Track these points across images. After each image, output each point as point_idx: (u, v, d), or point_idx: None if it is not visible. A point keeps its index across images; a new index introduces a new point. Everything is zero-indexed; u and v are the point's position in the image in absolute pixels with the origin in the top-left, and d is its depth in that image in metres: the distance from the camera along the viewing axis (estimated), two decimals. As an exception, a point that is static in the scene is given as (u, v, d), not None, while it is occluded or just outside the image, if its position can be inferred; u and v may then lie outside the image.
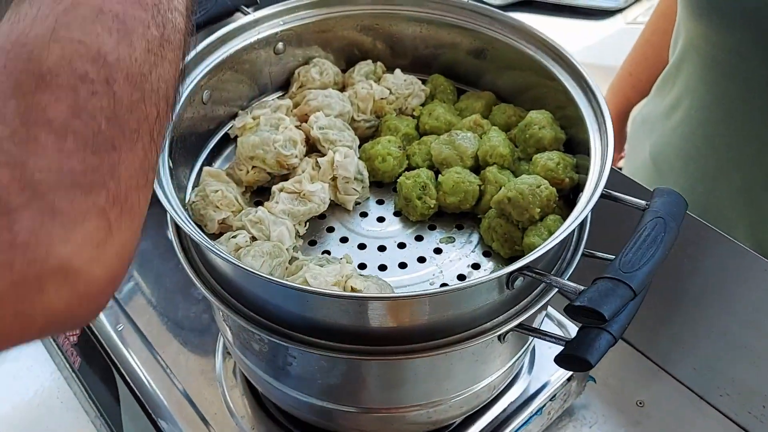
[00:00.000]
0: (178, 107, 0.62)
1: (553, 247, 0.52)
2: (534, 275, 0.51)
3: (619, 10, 2.29)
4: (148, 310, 0.86)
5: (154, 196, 0.55)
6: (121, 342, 0.83)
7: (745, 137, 0.92)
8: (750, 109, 0.90)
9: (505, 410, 0.75)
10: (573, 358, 0.51)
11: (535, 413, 0.76)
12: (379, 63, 0.76)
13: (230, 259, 0.50)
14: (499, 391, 0.71)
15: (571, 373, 0.78)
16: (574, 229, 0.53)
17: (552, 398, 0.77)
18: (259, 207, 0.63)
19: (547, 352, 0.81)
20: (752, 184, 0.94)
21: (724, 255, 0.76)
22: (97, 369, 0.85)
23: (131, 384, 0.79)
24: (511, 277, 0.51)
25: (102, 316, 0.85)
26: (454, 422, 0.73)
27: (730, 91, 0.91)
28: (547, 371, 0.79)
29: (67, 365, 0.90)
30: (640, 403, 0.87)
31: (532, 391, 0.77)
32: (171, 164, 0.59)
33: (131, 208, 0.36)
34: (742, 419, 0.84)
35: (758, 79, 0.87)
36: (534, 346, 0.81)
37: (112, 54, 0.35)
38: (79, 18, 0.35)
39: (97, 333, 0.85)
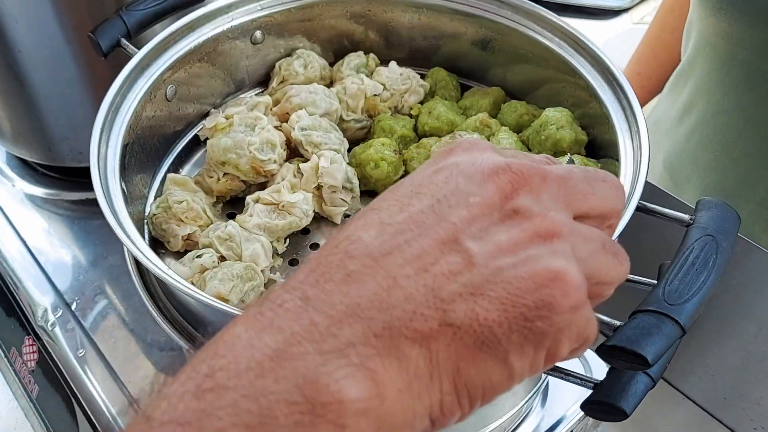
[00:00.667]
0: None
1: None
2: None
3: (626, 10, 2.21)
4: (114, 333, 0.76)
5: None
6: (83, 369, 0.73)
7: None
8: None
9: (516, 450, 0.66)
10: (604, 405, 0.42)
11: (550, 452, 0.67)
12: (371, 55, 0.67)
13: (185, 290, 0.41)
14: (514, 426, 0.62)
15: (589, 405, 0.69)
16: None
17: (568, 434, 0.68)
18: (230, 221, 0.54)
19: (561, 384, 0.72)
20: None
21: (759, 268, 0.67)
22: (55, 399, 0.76)
23: (92, 417, 0.70)
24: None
25: (61, 339, 0.76)
26: (458, 465, 0.64)
27: (751, 94, 0.83)
28: (562, 405, 0.70)
29: (25, 394, 0.81)
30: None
31: (545, 428, 0.68)
32: (123, 178, 0.50)
33: None
34: (743, 427, 0.75)
35: None
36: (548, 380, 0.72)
37: None
38: None
39: (56, 358, 0.75)
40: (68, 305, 0.79)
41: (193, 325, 0.48)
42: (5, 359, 0.84)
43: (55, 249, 0.86)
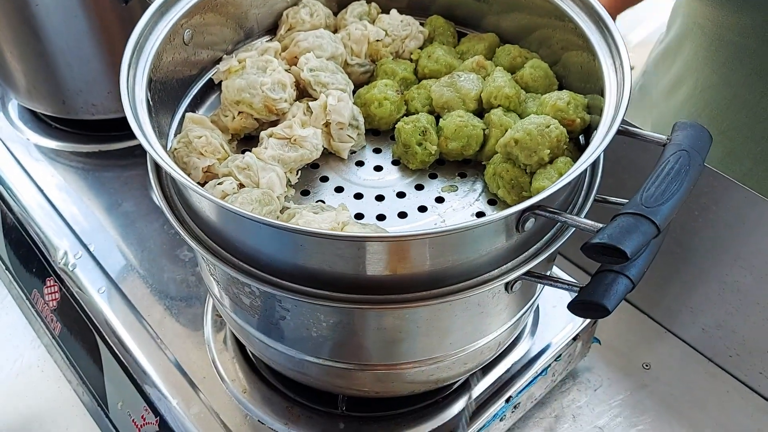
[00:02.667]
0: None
1: (566, 186, 0.48)
2: (547, 214, 0.47)
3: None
4: (132, 274, 0.81)
5: (137, 146, 0.51)
6: (104, 306, 0.78)
7: (756, 119, 0.88)
8: (760, 91, 0.86)
9: (508, 370, 0.72)
10: (589, 303, 0.48)
11: (540, 373, 0.73)
12: (373, 3, 0.71)
13: (218, 202, 0.46)
14: (504, 348, 0.67)
15: (576, 333, 0.75)
16: (586, 169, 0.49)
17: (557, 358, 0.74)
18: (247, 152, 0.58)
19: (551, 311, 0.77)
20: (763, 167, 0.91)
21: (738, 205, 0.72)
22: (78, 335, 0.80)
23: (115, 349, 0.75)
24: (522, 218, 0.47)
25: (83, 278, 0.81)
26: (457, 382, 0.69)
27: (738, 72, 0.87)
28: (550, 332, 0.75)
29: (47, 332, 0.86)
30: (646, 365, 0.84)
31: (535, 351, 0.74)
32: (151, 102, 0.54)
33: None
34: (753, 381, 0.81)
35: None
36: (537, 307, 0.77)
37: None
38: None
39: (78, 297, 0.80)
40: (87, 248, 0.84)
41: (215, 240, 0.53)
42: (27, 301, 0.89)
43: (71, 197, 0.90)
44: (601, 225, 0.45)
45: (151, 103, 0.54)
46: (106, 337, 0.76)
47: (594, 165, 0.55)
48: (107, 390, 0.77)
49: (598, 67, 0.57)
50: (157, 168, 0.55)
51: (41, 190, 0.90)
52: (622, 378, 0.82)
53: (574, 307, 0.48)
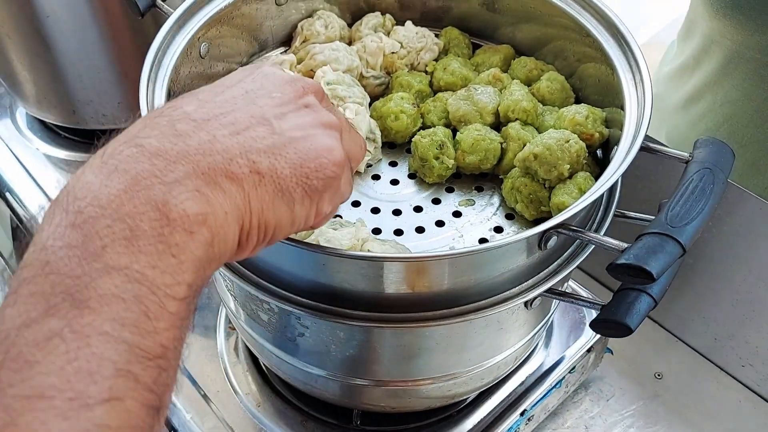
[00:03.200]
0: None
1: (588, 204, 0.48)
2: (571, 232, 0.47)
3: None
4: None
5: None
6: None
7: None
8: None
9: (522, 383, 0.72)
10: (611, 323, 0.48)
11: (555, 386, 0.72)
12: (387, 15, 0.71)
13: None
14: (521, 361, 0.67)
15: (590, 345, 0.75)
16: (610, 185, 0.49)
17: (571, 370, 0.74)
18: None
19: (563, 325, 0.77)
20: None
21: (750, 214, 0.72)
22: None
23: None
24: (545, 236, 0.47)
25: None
26: (471, 396, 0.69)
27: (760, 87, 0.87)
28: (564, 344, 0.75)
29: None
30: (659, 375, 0.84)
31: (549, 364, 0.74)
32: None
33: None
34: (766, 391, 0.81)
35: None
36: (553, 319, 0.77)
37: None
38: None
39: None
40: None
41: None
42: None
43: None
44: (625, 245, 0.44)
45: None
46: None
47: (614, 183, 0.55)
48: (120, 402, 0.77)
49: (617, 82, 0.57)
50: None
51: (50, 199, 0.90)
52: (635, 388, 0.82)
53: (596, 326, 0.48)
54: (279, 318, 0.55)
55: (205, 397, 0.71)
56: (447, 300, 0.50)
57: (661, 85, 1.04)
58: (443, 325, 0.49)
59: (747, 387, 0.82)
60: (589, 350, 0.74)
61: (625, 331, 0.47)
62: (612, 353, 0.84)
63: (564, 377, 0.73)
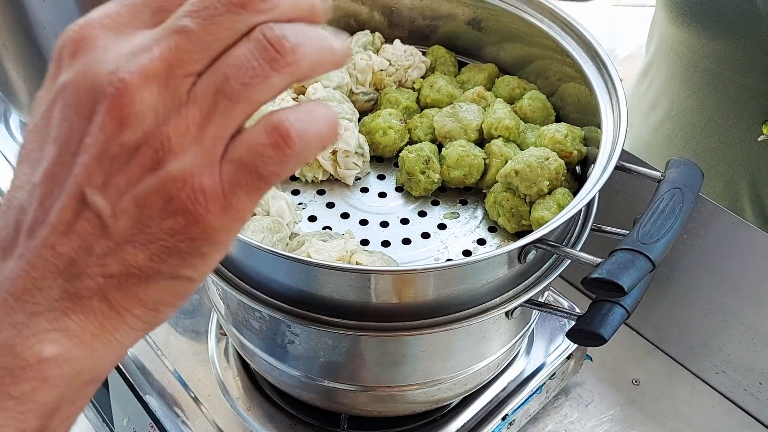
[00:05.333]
0: None
1: (565, 220, 0.50)
2: (548, 247, 0.49)
3: (604, -7, 2.29)
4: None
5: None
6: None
7: (728, 143, 0.92)
8: (734, 116, 0.89)
9: (504, 389, 0.74)
10: (586, 333, 0.50)
11: (535, 391, 0.75)
12: (377, 33, 0.74)
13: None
14: (502, 368, 0.69)
15: (570, 352, 0.78)
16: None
17: (551, 376, 0.76)
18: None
19: (544, 333, 0.80)
20: (734, 189, 0.94)
21: (723, 229, 0.75)
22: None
23: (121, 368, 0.77)
24: (524, 250, 0.50)
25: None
26: (455, 401, 0.72)
27: (713, 97, 0.90)
28: (544, 352, 0.78)
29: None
30: (636, 381, 0.87)
31: (530, 370, 0.76)
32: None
33: None
34: (738, 397, 0.84)
35: (743, 87, 0.86)
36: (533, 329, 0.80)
37: None
38: None
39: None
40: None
41: (226, 267, 0.55)
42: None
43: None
44: (599, 260, 0.47)
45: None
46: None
47: (590, 200, 0.58)
48: (113, 407, 0.79)
49: (595, 102, 0.59)
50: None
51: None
52: (613, 393, 0.85)
53: (572, 336, 0.51)
54: (270, 326, 0.57)
55: (195, 400, 0.73)
56: (432, 309, 0.52)
57: (630, 95, 1.07)
58: (428, 333, 0.52)
59: (720, 393, 0.85)
60: (568, 357, 0.77)
61: (599, 340, 0.50)
62: (591, 360, 0.87)
63: (544, 383, 0.76)
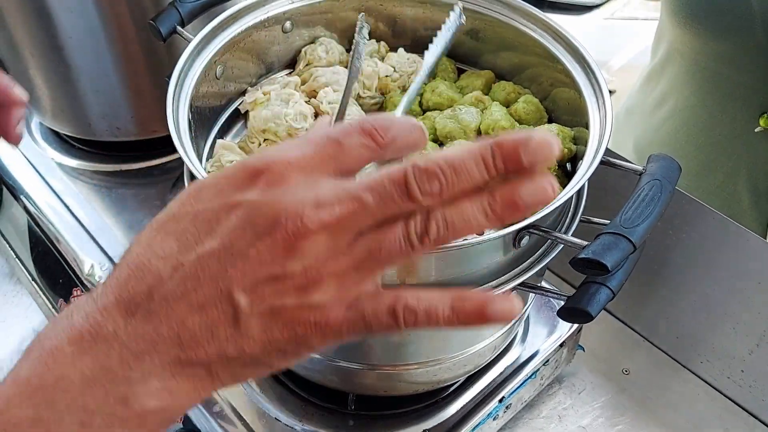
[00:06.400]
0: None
1: (555, 209, 0.56)
2: (541, 232, 0.55)
3: (597, 6, 2.35)
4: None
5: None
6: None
7: (728, 138, 0.98)
8: (733, 112, 0.96)
9: (501, 374, 0.79)
10: (575, 310, 0.55)
11: (530, 377, 0.80)
12: (382, 42, 0.79)
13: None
14: (499, 352, 0.74)
15: (563, 340, 0.83)
16: (574, 193, 0.57)
17: (545, 363, 0.81)
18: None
19: (538, 322, 0.85)
20: (734, 181, 1.00)
21: (707, 226, 0.80)
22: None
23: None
24: (518, 235, 0.55)
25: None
26: (455, 384, 0.77)
27: (713, 94, 0.97)
28: (539, 340, 0.83)
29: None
30: (626, 371, 0.92)
31: (525, 357, 0.81)
32: (192, 129, 0.61)
33: None
34: (721, 384, 0.89)
35: (741, 85, 0.92)
36: (528, 317, 0.85)
37: None
38: None
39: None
40: (111, 259, 0.90)
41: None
42: (53, 310, 0.95)
43: (95, 213, 0.97)
44: (586, 242, 0.52)
45: (192, 129, 0.61)
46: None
47: (579, 190, 0.63)
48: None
49: (584, 105, 0.65)
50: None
51: (67, 207, 0.97)
52: (604, 382, 0.90)
53: (562, 313, 0.56)
54: (286, 308, 0.62)
55: (213, 385, 0.78)
56: (434, 291, 0.57)
57: (634, 96, 1.13)
58: (431, 312, 0.57)
59: (705, 381, 0.90)
60: (561, 345, 0.82)
61: (586, 317, 0.55)
62: (584, 350, 0.92)
63: (539, 369, 0.81)
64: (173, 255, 0.34)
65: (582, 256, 0.51)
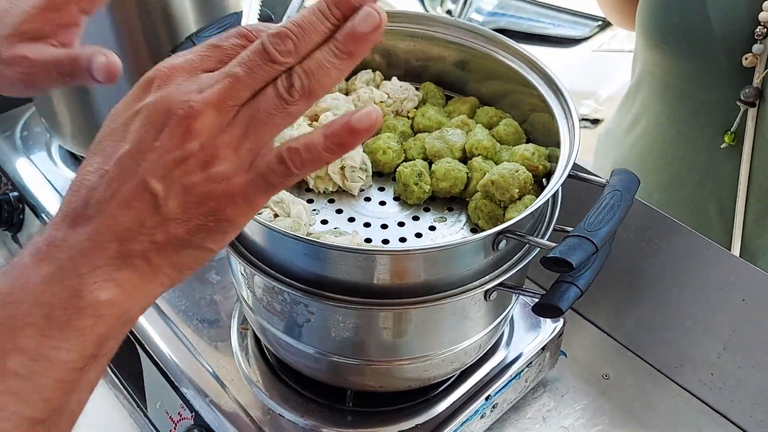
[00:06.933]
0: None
1: (529, 216, 0.63)
2: (515, 236, 0.62)
3: (585, 39, 2.46)
4: (168, 294, 0.95)
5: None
6: (145, 322, 0.92)
7: (695, 153, 1.06)
8: (700, 129, 1.04)
9: (488, 374, 0.86)
10: (547, 306, 0.63)
11: (514, 377, 0.87)
12: (377, 72, 0.88)
13: (270, 225, 0.61)
14: (485, 352, 0.81)
15: (544, 344, 0.89)
16: (548, 201, 0.65)
17: (528, 365, 0.88)
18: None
19: (522, 327, 0.92)
20: (701, 193, 1.08)
21: (681, 242, 0.88)
22: (121, 347, 0.93)
23: (155, 357, 0.88)
24: (496, 239, 0.63)
25: (125, 298, 0.94)
26: (445, 383, 0.83)
27: (681, 112, 1.05)
28: (522, 344, 0.90)
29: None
30: (606, 375, 0.98)
31: (510, 359, 0.88)
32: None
33: None
34: (694, 388, 0.95)
35: (706, 103, 1.00)
36: (513, 323, 0.92)
37: None
38: None
39: (120, 314, 0.93)
40: (128, 272, 0.97)
41: (253, 254, 0.67)
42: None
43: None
44: (554, 244, 0.60)
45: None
46: (147, 347, 0.89)
47: (554, 201, 0.71)
48: (146, 393, 0.90)
49: (556, 126, 0.73)
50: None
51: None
52: (585, 386, 0.97)
53: (536, 309, 0.63)
54: (291, 307, 0.69)
55: (221, 384, 0.84)
56: (424, 289, 0.64)
57: (612, 118, 1.22)
58: (420, 308, 0.64)
59: (679, 385, 0.97)
60: (543, 348, 0.89)
61: (557, 311, 0.62)
62: (566, 356, 0.98)
63: (522, 370, 0.88)
64: (99, 166, 0.40)
65: (550, 255, 0.58)
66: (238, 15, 0.84)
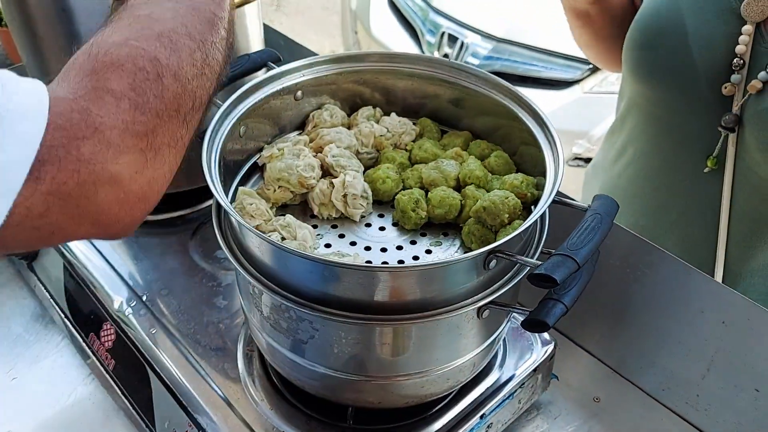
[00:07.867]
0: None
1: (517, 238, 0.69)
2: (504, 255, 0.67)
3: (577, 81, 2.55)
4: (178, 317, 1.00)
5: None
6: (154, 343, 0.96)
7: (680, 179, 1.12)
8: (684, 156, 1.10)
9: (482, 394, 0.90)
10: (535, 321, 0.67)
11: (508, 397, 0.91)
12: (377, 108, 0.94)
13: (280, 245, 0.67)
14: (479, 370, 0.86)
15: (536, 365, 0.94)
16: (536, 224, 0.70)
17: (521, 386, 0.92)
18: (287, 214, 0.79)
19: (514, 350, 0.96)
20: (686, 218, 1.13)
21: (666, 271, 0.92)
22: (131, 368, 0.98)
23: (164, 378, 0.93)
24: (487, 259, 0.68)
25: (136, 322, 0.99)
26: (442, 401, 0.87)
27: (666, 140, 1.11)
28: (515, 366, 0.94)
29: (102, 368, 1.03)
30: (597, 399, 1.02)
31: (504, 380, 0.92)
32: (222, 178, 0.75)
33: (163, 156, 0.55)
34: (681, 409, 0.99)
35: (690, 131, 1.06)
36: (505, 341, 0.96)
37: (164, 60, 0.54)
38: (143, 36, 0.54)
39: (132, 337, 0.98)
40: (140, 297, 1.02)
41: (261, 274, 0.72)
42: (84, 342, 1.06)
43: (124, 257, 1.09)
44: (540, 263, 0.65)
45: (222, 178, 0.75)
46: (157, 368, 0.94)
47: (542, 223, 0.76)
48: (155, 412, 0.94)
49: (543, 158, 0.79)
50: (220, 225, 0.76)
51: (99, 252, 1.09)
52: (577, 409, 1.01)
53: (525, 324, 0.68)
54: (296, 324, 0.74)
55: (228, 403, 0.88)
56: (420, 306, 0.69)
57: (600, 151, 1.28)
58: (416, 323, 0.69)
59: (666, 407, 1.01)
60: (535, 370, 0.93)
61: (544, 326, 0.67)
62: (558, 379, 1.03)
63: (515, 391, 0.92)
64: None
65: (536, 272, 0.63)
66: (249, 56, 0.91)
